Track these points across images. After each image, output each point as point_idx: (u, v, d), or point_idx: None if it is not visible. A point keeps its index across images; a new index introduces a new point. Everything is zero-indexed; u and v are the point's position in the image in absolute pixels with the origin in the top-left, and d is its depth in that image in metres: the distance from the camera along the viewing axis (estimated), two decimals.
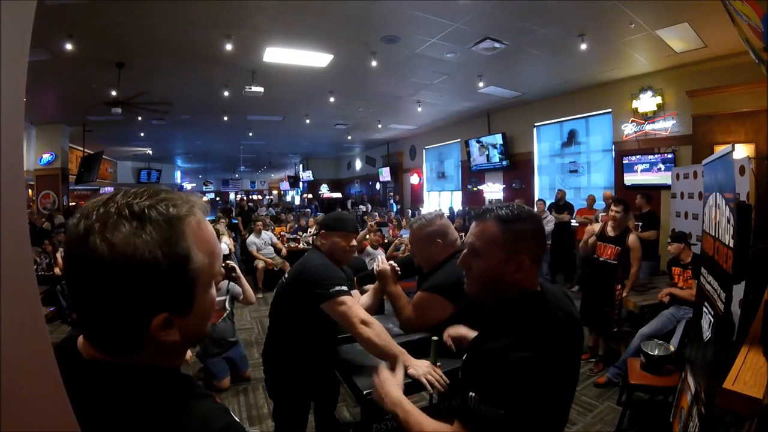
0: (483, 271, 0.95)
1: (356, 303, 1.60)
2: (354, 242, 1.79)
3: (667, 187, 5.51)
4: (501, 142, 8.52)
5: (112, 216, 0.47)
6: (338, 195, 17.32)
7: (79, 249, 0.46)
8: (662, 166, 5.71)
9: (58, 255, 4.86)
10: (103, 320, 0.49)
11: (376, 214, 10.53)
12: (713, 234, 1.95)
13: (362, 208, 12.66)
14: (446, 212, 9.52)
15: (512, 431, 0.80)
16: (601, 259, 3.30)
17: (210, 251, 0.53)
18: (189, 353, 3.14)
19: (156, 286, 0.48)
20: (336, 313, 1.55)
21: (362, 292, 2.04)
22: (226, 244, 5.84)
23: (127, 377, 0.51)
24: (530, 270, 0.93)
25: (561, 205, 6.40)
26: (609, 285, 3.24)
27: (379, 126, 10.25)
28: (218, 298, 3.03)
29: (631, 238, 3.22)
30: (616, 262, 3.21)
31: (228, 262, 2.93)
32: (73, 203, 10.92)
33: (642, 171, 5.98)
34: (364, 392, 1.39)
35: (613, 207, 3.31)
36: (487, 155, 8.96)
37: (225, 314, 3.13)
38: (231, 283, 2.99)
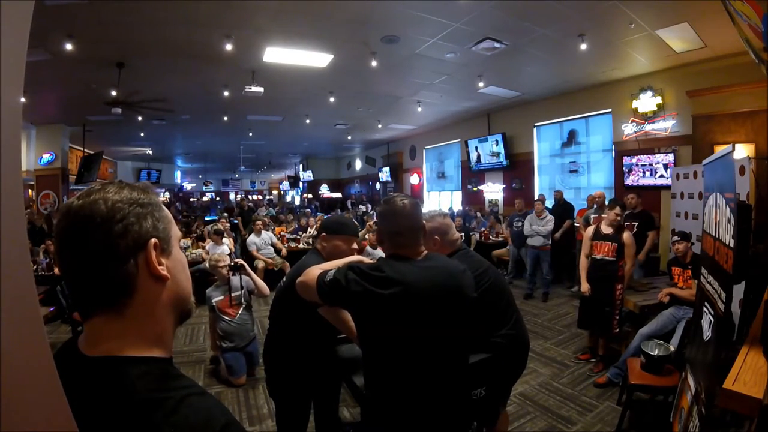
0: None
1: None
2: (355, 245, 1.79)
3: (667, 187, 5.51)
4: (501, 143, 8.53)
5: (104, 185, 0.60)
6: (338, 195, 17.30)
7: (75, 207, 0.56)
8: (662, 166, 5.71)
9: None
10: (100, 258, 0.54)
11: (374, 213, 10.50)
12: (713, 234, 1.95)
13: (362, 208, 12.64)
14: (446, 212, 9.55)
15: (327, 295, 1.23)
16: (599, 257, 3.32)
17: (171, 216, 0.66)
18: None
19: (147, 213, 0.59)
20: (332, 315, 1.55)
21: None
22: (226, 244, 5.84)
23: (129, 373, 0.52)
24: (389, 241, 1.31)
25: (561, 204, 6.33)
26: (609, 284, 3.24)
27: (379, 126, 10.25)
28: (234, 294, 3.28)
29: (626, 235, 3.30)
30: (615, 259, 3.23)
31: (237, 260, 3.26)
32: None
33: (642, 171, 5.98)
34: (364, 392, 1.39)
35: (612, 212, 3.34)
36: (491, 152, 8.92)
37: (242, 307, 3.34)
38: (244, 277, 3.25)
